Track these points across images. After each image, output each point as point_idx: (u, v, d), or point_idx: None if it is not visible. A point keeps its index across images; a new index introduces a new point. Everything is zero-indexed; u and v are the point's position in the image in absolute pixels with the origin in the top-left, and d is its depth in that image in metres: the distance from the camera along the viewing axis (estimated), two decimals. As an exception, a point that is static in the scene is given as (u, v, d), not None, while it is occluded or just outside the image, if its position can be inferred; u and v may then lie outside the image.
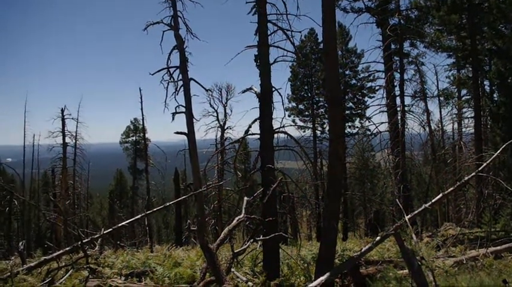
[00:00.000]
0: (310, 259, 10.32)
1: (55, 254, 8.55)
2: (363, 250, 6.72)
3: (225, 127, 28.13)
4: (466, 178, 7.84)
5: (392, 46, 20.57)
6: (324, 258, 6.78)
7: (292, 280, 7.99)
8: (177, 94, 16.23)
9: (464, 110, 22.92)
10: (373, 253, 8.76)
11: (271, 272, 7.87)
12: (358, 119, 30.91)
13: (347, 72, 29.19)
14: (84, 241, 8.41)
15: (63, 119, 28.50)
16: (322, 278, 5.82)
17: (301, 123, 31.43)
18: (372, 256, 8.87)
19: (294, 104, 31.87)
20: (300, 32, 10.01)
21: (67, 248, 8.63)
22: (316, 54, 30.76)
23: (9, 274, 6.92)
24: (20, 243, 9.61)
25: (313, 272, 7.82)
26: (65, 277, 7.04)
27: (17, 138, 28.98)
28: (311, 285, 5.75)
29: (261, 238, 8.00)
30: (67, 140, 28.94)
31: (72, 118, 28.82)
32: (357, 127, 31.04)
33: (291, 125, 29.58)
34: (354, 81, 30.25)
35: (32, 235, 31.29)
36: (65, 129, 28.69)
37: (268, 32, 9.32)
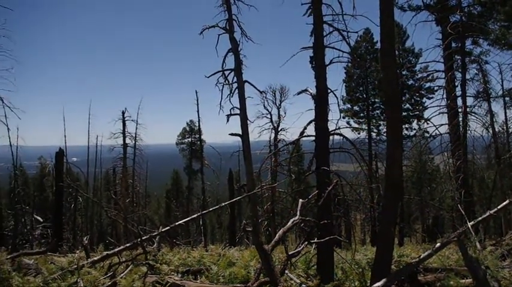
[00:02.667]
0: (365, 264, 10.08)
1: (116, 249, 8.96)
2: (421, 257, 6.48)
3: (279, 129, 28.15)
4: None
5: (453, 44, 19.65)
6: (380, 263, 6.60)
7: (347, 284, 7.84)
8: (232, 96, 16.42)
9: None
10: (431, 260, 8.41)
11: (325, 276, 7.79)
12: (415, 120, 29.87)
13: (404, 72, 28.23)
14: (143, 238, 8.75)
15: (123, 121, 29.77)
16: (378, 284, 5.68)
17: (356, 125, 30.86)
18: (430, 263, 8.52)
19: (348, 106, 31.39)
20: (357, 32, 9.87)
21: (127, 245, 9.02)
22: (372, 54, 30.09)
23: (75, 266, 7.34)
24: (85, 238, 10.16)
25: (368, 277, 7.64)
26: (126, 272, 7.34)
27: (82, 139, 30.62)
28: (367, 291, 5.63)
29: (316, 240, 7.93)
30: (127, 141, 30.18)
31: (132, 120, 30.00)
32: (415, 129, 30.00)
33: (346, 127, 29.09)
34: (411, 81, 29.27)
35: (95, 230, 32.94)
36: (125, 130, 29.93)
37: (324, 33, 9.27)
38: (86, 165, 30.90)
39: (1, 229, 21.97)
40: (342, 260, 9.19)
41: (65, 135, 27.28)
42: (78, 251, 11.40)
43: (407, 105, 29.57)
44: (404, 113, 28.56)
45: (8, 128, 21.79)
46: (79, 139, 33.54)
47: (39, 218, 25.11)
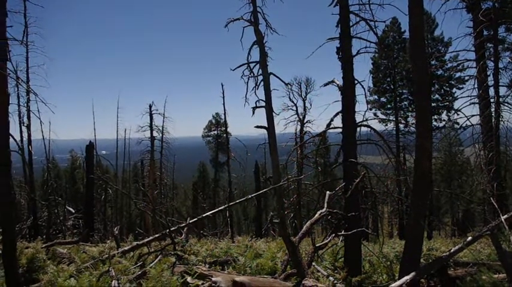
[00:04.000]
0: (393, 257, 9.97)
1: (146, 240, 9.17)
2: (452, 251, 6.36)
3: (305, 121, 27.98)
4: None
5: (485, 32, 18.97)
6: (409, 257, 6.51)
7: (374, 277, 7.79)
8: (257, 89, 16.42)
9: None
10: (461, 255, 8.24)
11: (352, 268, 7.75)
12: (445, 111, 29.15)
13: (433, 62, 27.51)
14: (171, 229, 8.90)
15: (151, 114, 30.19)
16: (407, 278, 5.61)
17: (383, 117, 30.39)
18: (461, 257, 8.35)
19: (375, 97, 30.93)
20: (384, 21, 9.68)
21: (156, 235, 9.21)
22: (399, 44, 29.49)
23: (107, 256, 7.56)
24: (115, 228, 10.41)
25: (396, 271, 7.56)
26: (155, 261, 7.51)
27: (110, 132, 31.27)
28: (395, 284, 5.56)
29: (343, 233, 7.89)
30: (154, 134, 30.59)
31: (159, 113, 30.35)
32: (444, 120, 29.30)
33: (373, 119, 28.64)
34: (440, 71, 28.53)
35: (124, 221, 33.68)
36: (153, 123, 30.35)
37: (350, 23, 9.14)
38: (114, 158, 31.52)
39: (35, 219, 22.70)
40: (369, 253, 9.12)
41: (94, 129, 27.93)
42: (108, 241, 11.74)
43: (437, 95, 28.90)
44: (433, 104, 27.89)
45: (42, 122, 22.48)
46: (108, 133, 34.23)
47: (71, 209, 25.83)
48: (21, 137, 22.27)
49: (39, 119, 22.23)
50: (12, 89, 19.91)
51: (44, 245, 9.49)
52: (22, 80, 9.96)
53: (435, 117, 28.80)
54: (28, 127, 23.06)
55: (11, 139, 6.69)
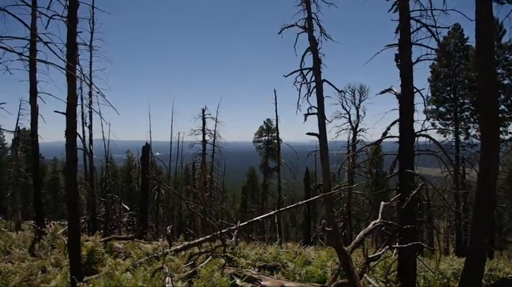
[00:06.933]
0: (451, 275, 9.55)
1: (197, 240, 9.35)
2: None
3: (357, 129, 27.47)
4: None
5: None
6: (469, 275, 6.21)
7: (429, 294, 7.50)
8: (310, 95, 16.37)
9: None
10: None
11: (406, 283, 7.50)
12: (511, 123, 27.51)
13: (499, 71, 26.10)
14: (222, 231, 9.01)
15: (203, 119, 30.79)
16: (466, 296, 5.34)
17: (441, 127, 29.14)
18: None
19: (433, 107, 29.74)
20: (448, 27, 9.34)
21: (208, 237, 9.36)
22: (461, 51, 28.21)
23: (161, 253, 7.78)
24: (168, 227, 10.67)
25: (453, 289, 7.25)
26: (205, 262, 7.60)
27: (165, 135, 32.16)
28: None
29: (397, 245, 7.63)
30: (206, 137, 31.16)
31: (212, 118, 30.87)
32: (510, 133, 27.65)
33: (430, 129, 27.61)
34: (507, 80, 26.99)
35: (175, 221, 34.52)
36: (205, 127, 30.95)
37: (411, 30, 8.89)
38: (168, 159, 32.39)
39: (94, 214, 23.85)
40: (424, 268, 8.78)
41: (150, 131, 28.86)
42: (161, 240, 12.09)
43: (502, 106, 27.28)
44: (498, 115, 26.41)
45: (107, 123, 23.70)
46: (162, 135, 35.27)
47: (126, 206, 26.90)
48: (83, 136, 23.53)
49: (103, 120, 23.50)
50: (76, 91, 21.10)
51: (102, 239, 9.93)
52: (92, 83, 10.53)
53: (501, 129, 27.23)
54: (90, 127, 24.36)
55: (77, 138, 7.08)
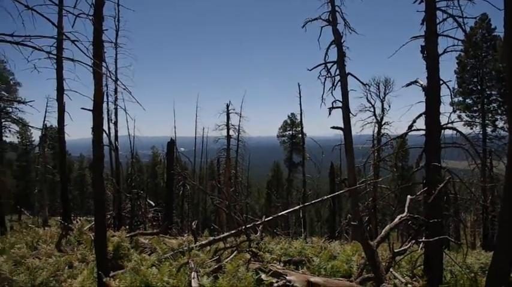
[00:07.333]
0: (478, 269, 9.36)
1: (222, 235, 9.40)
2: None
3: (382, 123, 27.12)
4: None
5: None
6: (497, 270, 6.05)
7: (456, 288, 7.37)
8: (334, 89, 16.21)
9: None
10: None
11: (432, 277, 7.37)
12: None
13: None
14: (247, 226, 9.04)
15: (227, 114, 30.95)
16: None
17: (468, 119, 28.43)
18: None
19: (460, 99, 29.01)
20: (475, 17, 9.08)
21: (232, 231, 9.39)
22: (489, 42, 27.35)
23: (186, 248, 7.87)
24: (193, 223, 10.79)
25: (481, 284, 7.08)
26: (230, 257, 7.65)
27: (189, 130, 32.45)
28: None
29: (424, 239, 7.50)
30: (231, 133, 31.35)
31: (236, 113, 31.03)
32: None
33: (457, 121, 26.92)
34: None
35: (200, 216, 34.88)
36: (229, 123, 31.11)
37: (437, 21, 8.68)
38: (192, 155, 32.68)
39: (120, 210, 24.28)
40: (451, 262, 8.61)
41: (174, 127, 29.18)
42: (186, 235, 12.21)
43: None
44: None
45: (133, 119, 24.04)
46: (186, 130, 35.55)
47: (151, 202, 27.29)
48: (109, 133, 23.93)
49: (129, 116, 23.84)
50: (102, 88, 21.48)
51: (128, 234, 10.10)
52: (118, 79, 10.66)
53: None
54: (115, 124, 24.76)
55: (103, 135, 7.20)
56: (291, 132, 37.48)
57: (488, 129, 27.68)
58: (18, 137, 42.29)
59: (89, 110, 6.88)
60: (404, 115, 10.46)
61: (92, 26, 6.60)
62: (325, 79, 16.35)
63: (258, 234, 9.93)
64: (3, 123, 34.04)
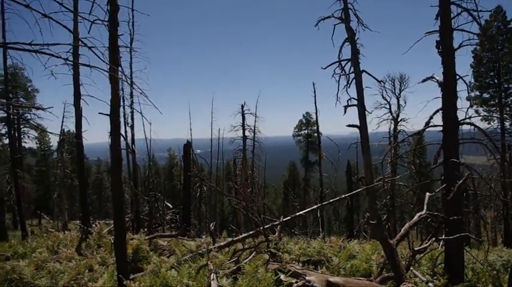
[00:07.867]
0: (500, 266, 9.19)
1: (240, 236, 9.41)
2: None
3: (398, 119, 26.85)
4: None
5: None
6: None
7: (478, 286, 7.24)
8: (349, 87, 16.04)
9: None
10: None
11: (453, 275, 7.26)
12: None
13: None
14: (265, 226, 9.03)
15: (243, 114, 30.98)
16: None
17: (485, 114, 27.95)
18: None
19: (477, 93, 28.52)
20: (490, 10, 8.91)
21: (251, 232, 9.40)
22: (505, 35, 26.81)
23: (204, 250, 7.90)
24: (211, 224, 10.85)
25: (504, 281, 6.95)
26: (249, 258, 7.67)
27: (205, 132, 32.54)
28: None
29: (444, 237, 7.40)
30: (246, 133, 31.36)
31: (251, 113, 31.01)
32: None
33: (475, 116, 26.44)
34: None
35: (217, 218, 35.00)
36: (245, 123, 31.13)
37: (452, 15, 8.56)
38: (208, 156, 32.75)
39: (138, 213, 24.49)
40: (472, 260, 8.48)
41: (190, 129, 29.26)
42: (204, 237, 12.27)
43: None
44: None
45: (149, 123, 24.25)
46: (202, 132, 35.70)
47: (169, 204, 27.45)
48: (126, 136, 24.17)
49: (145, 119, 24.05)
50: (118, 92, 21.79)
51: (147, 237, 10.19)
52: (134, 83, 10.79)
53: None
54: (132, 127, 24.98)
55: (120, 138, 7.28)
56: (306, 131, 37.37)
57: (507, 123, 27.25)
58: (37, 143, 43.19)
59: (106, 114, 6.96)
60: (420, 111, 10.30)
61: (107, 31, 6.69)
62: (340, 77, 16.20)
63: (276, 234, 9.92)
64: (22, 129, 34.72)
